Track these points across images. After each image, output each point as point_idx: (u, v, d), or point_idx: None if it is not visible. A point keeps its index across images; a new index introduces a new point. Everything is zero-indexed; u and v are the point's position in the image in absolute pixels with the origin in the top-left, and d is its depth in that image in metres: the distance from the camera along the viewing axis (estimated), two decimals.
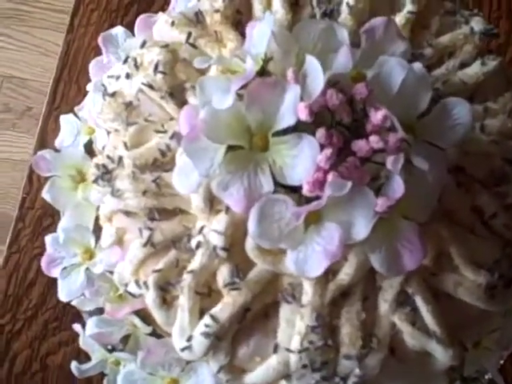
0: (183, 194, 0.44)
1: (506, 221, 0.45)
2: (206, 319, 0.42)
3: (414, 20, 0.48)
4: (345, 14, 0.48)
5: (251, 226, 0.39)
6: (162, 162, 0.45)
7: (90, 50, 0.80)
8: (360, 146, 0.40)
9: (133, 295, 0.46)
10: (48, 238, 0.54)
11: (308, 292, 0.42)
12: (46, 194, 0.53)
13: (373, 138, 0.39)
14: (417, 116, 0.42)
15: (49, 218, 0.73)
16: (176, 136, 0.44)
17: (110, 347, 0.52)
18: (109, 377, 0.54)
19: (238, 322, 0.43)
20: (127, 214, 0.45)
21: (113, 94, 0.47)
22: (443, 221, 0.44)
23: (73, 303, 0.54)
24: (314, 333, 0.42)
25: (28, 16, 1.48)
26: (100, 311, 0.55)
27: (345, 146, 0.40)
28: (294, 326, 0.42)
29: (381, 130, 0.40)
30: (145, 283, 0.44)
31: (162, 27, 0.49)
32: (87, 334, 0.53)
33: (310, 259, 0.39)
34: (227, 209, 0.42)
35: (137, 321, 0.51)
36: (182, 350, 0.43)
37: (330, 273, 0.43)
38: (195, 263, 0.43)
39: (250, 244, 0.42)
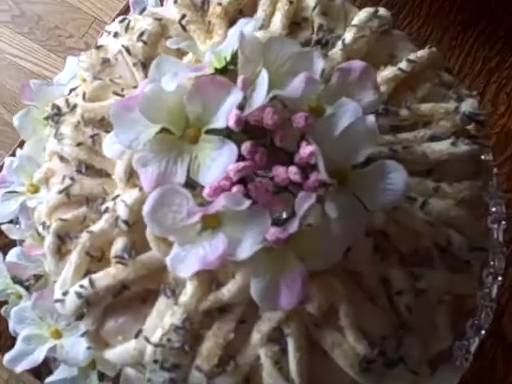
0: (111, 159, 0.44)
1: (410, 303, 0.43)
2: (84, 281, 0.43)
3: (403, 79, 0.47)
4: (337, 48, 0.47)
5: (147, 206, 0.39)
6: (108, 123, 0.46)
7: None
8: (279, 172, 0.39)
9: (40, 236, 0.47)
10: (7, 160, 0.56)
11: (187, 293, 0.42)
12: (15, 119, 0.55)
13: (292, 169, 0.39)
14: (352, 166, 0.41)
15: None
16: None
17: (16, 279, 0.54)
18: (8, 307, 0.55)
19: (114, 296, 0.43)
20: (61, 159, 0.46)
21: (99, 47, 0.49)
22: (345, 278, 0.43)
23: (2, 227, 0.55)
24: (175, 333, 0.42)
25: None
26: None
27: (269, 169, 0.40)
28: (161, 320, 0.42)
29: (307, 165, 0.39)
30: (48, 227, 0.45)
31: (170, 2, 0.50)
32: (6, 259, 0.55)
33: (188, 259, 0.39)
34: (141, 187, 0.42)
35: (46, 264, 0.52)
36: (56, 301, 0.44)
37: (215, 283, 0.42)
38: (97, 226, 0.44)
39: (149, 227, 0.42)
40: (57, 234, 0.44)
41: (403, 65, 0.47)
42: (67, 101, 0.47)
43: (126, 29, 0.48)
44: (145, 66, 0.46)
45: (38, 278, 0.55)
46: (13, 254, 0.55)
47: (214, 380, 0.42)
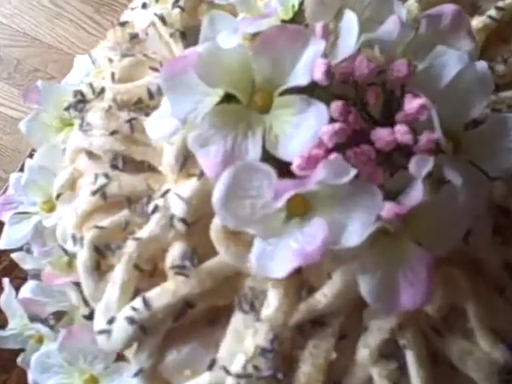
0: (156, 147, 0.36)
1: None
2: (137, 302, 0.33)
3: (494, 28, 0.39)
4: (413, 0, 0.40)
5: (218, 192, 0.30)
6: (147, 106, 0.37)
7: None
8: (381, 134, 0.31)
9: (67, 254, 0.37)
10: (13, 176, 0.47)
11: (271, 304, 0.33)
12: (23, 125, 0.46)
13: (400, 128, 0.31)
14: (464, 125, 0.33)
15: None
16: None
17: (34, 319, 0.44)
18: (25, 354, 0.45)
19: (175, 319, 0.33)
20: (90, 155, 0.37)
21: (123, 24, 0.41)
22: (466, 268, 0.34)
23: (13, 256, 0.46)
24: (263, 357, 0.32)
25: (121, 10, 1.46)
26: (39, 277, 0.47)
27: (362, 136, 0.31)
28: (241, 343, 0.33)
29: (413, 121, 0.31)
30: (80, 240, 0.36)
31: None
32: (19, 296, 0.45)
33: (279, 255, 0.30)
34: (201, 174, 0.34)
35: (75, 295, 0.42)
36: (100, 332, 0.34)
37: (306, 288, 0.33)
38: (145, 231, 0.34)
39: (215, 224, 0.33)
40: (94, 246, 0.35)
41: (493, 12, 0.40)
42: (91, 85, 0.38)
43: None
44: (184, 35, 0.38)
45: (59, 316, 0.45)
46: (26, 290, 0.45)
47: None
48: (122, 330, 0.33)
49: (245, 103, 0.32)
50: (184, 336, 0.34)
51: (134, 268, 0.34)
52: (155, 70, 0.37)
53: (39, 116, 0.47)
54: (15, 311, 0.44)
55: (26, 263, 0.46)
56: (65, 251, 0.37)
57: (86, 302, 0.42)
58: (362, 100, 0.32)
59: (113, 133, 0.36)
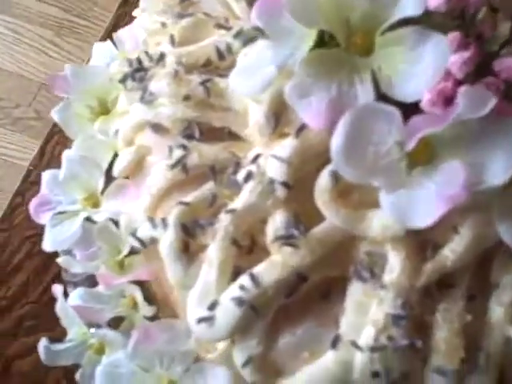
0: (238, 110, 0.32)
1: None
2: (244, 279, 0.29)
3: None
4: None
5: (337, 141, 0.27)
6: (217, 67, 0.33)
7: None
8: (508, 64, 0.28)
9: (142, 244, 0.33)
10: (46, 175, 0.42)
11: (394, 268, 0.29)
12: (54, 113, 0.41)
13: None
14: None
15: None
16: (242, 35, 0.32)
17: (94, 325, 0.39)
18: (84, 370, 0.40)
19: (287, 295, 0.29)
20: (157, 129, 0.33)
21: None
22: None
23: (59, 261, 0.41)
24: (396, 326, 0.28)
25: (83, 31, 1.41)
26: (90, 281, 0.42)
27: (485, 67, 0.29)
28: (366, 314, 0.29)
29: None
30: (163, 221, 0.31)
31: None
32: (69, 303, 0.40)
33: (418, 202, 0.26)
34: (299, 131, 0.30)
35: (138, 294, 0.38)
36: (199, 321, 0.30)
37: (430, 246, 0.30)
38: (239, 201, 0.30)
39: (321, 185, 0.29)
40: (182, 225, 0.31)
41: None
42: (147, 53, 0.34)
43: None
44: None
45: (117, 322, 0.40)
46: (75, 297, 0.40)
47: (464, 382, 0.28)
48: (228, 313, 0.29)
49: (343, 45, 0.29)
50: (297, 315, 0.30)
51: (232, 244, 0.30)
52: (222, 27, 0.33)
53: (71, 106, 0.43)
54: (73, 319, 0.39)
55: (74, 267, 0.41)
56: (140, 241, 0.33)
57: (149, 301, 0.38)
58: (477, 31, 0.29)
59: (185, 99, 0.32)
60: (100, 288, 0.40)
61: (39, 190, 0.45)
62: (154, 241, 0.32)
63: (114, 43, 0.46)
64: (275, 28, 0.28)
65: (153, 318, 0.38)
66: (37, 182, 0.64)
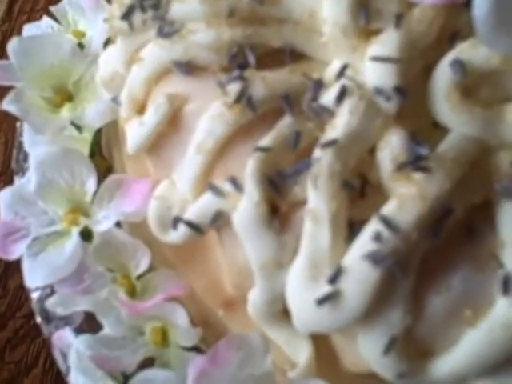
0: (300, 18, 0.24)
1: None
2: (375, 227, 0.22)
3: None
4: None
5: (483, 9, 0.20)
6: None
7: None
8: None
9: (199, 229, 0.25)
10: (4, 194, 0.32)
11: None
12: (7, 105, 0.32)
13: None
14: None
15: None
16: None
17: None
18: None
19: (433, 235, 0.22)
20: (190, 68, 0.25)
21: None
22: None
23: (50, 305, 0.31)
24: None
25: None
26: (86, 322, 0.32)
27: None
28: None
29: None
30: (233, 180, 0.23)
31: None
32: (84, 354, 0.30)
33: None
34: (399, 18, 0.23)
35: (180, 315, 0.29)
36: (320, 302, 0.22)
37: None
38: (338, 129, 0.23)
39: (444, 83, 0.23)
40: (266, 179, 0.23)
41: None
42: None
43: None
44: None
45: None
46: (81, 346, 0.30)
47: None
48: (363, 279, 0.21)
49: None
50: (445, 264, 0.23)
51: (343, 187, 0.22)
52: None
53: (24, 95, 0.34)
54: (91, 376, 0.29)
55: (71, 305, 0.31)
56: (194, 227, 0.24)
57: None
58: None
59: (228, 16, 0.24)
60: (106, 330, 0.31)
61: None
62: (218, 217, 0.24)
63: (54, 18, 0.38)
64: None
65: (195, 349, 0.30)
66: None
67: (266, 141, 0.23)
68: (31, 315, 0.40)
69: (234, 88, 0.24)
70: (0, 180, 0.53)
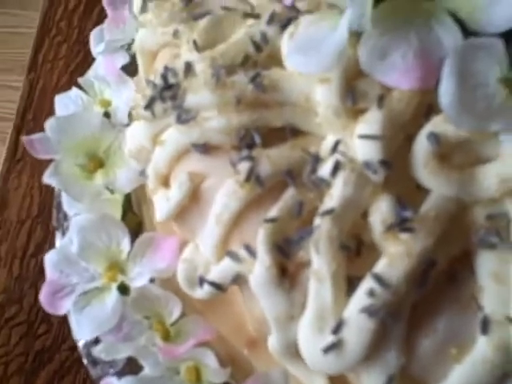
0: (297, 100, 0.28)
1: None
2: (368, 284, 0.26)
3: None
4: None
5: (447, 91, 0.25)
6: (254, 62, 0.30)
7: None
8: None
9: (220, 287, 0.29)
10: (49, 258, 0.37)
11: None
12: (48, 179, 0.37)
13: None
14: None
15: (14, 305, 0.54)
16: (277, 17, 0.29)
17: None
18: None
19: (419, 285, 0.26)
20: (206, 149, 0.29)
21: None
22: None
23: (96, 352, 0.36)
24: None
25: None
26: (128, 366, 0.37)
27: None
28: (508, 282, 0.26)
29: None
30: (247, 248, 0.28)
31: None
32: None
33: None
34: (381, 99, 0.27)
35: (210, 358, 0.34)
36: (326, 351, 0.26)
37: None
38: (334, 198, 0.27)
39: (423, 152, 0.27)
40: (275, 246, 0.27)
41: None
42: (167, 68, 0.30)
43: None
44: None
45: None
46: None
47: None
48: (360, 329, 0.26)
49: None
50: (432, 309, 0.27)
51: (341, 249, 0.27)
52: (251, 16, 0.30)
53: (61, 167, 0.39)
54: None
55: (115, 353, 0.36)
56: (217, 286, 0.29)
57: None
58: None
59: (238, 102, 0.28)
60: (146, 371, 0.36)
61: None
62: (237, 278, 0.29)
63: (81, 88, 0.43)
64: None
65: None
66: None
67: (273, 212, 0.28)
68: (75, 348, 0.45)
69: (244, 167, 0.28)
70: (38, 222, 0.58)
